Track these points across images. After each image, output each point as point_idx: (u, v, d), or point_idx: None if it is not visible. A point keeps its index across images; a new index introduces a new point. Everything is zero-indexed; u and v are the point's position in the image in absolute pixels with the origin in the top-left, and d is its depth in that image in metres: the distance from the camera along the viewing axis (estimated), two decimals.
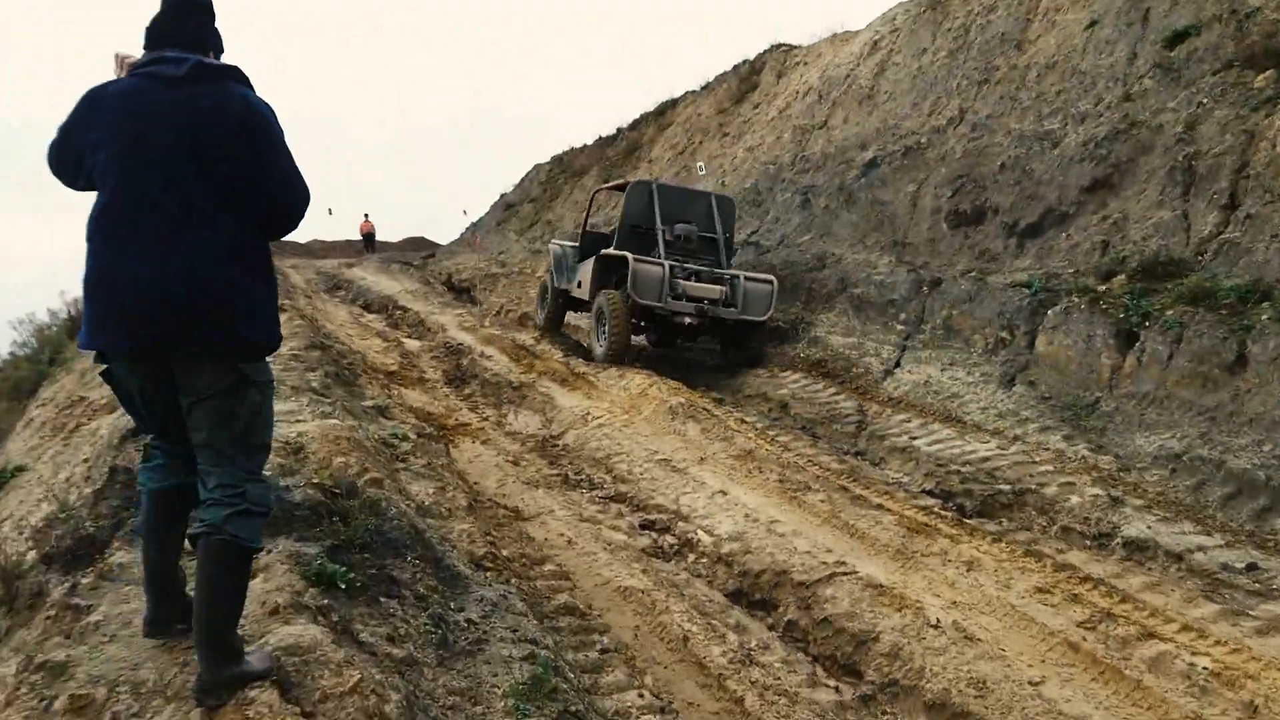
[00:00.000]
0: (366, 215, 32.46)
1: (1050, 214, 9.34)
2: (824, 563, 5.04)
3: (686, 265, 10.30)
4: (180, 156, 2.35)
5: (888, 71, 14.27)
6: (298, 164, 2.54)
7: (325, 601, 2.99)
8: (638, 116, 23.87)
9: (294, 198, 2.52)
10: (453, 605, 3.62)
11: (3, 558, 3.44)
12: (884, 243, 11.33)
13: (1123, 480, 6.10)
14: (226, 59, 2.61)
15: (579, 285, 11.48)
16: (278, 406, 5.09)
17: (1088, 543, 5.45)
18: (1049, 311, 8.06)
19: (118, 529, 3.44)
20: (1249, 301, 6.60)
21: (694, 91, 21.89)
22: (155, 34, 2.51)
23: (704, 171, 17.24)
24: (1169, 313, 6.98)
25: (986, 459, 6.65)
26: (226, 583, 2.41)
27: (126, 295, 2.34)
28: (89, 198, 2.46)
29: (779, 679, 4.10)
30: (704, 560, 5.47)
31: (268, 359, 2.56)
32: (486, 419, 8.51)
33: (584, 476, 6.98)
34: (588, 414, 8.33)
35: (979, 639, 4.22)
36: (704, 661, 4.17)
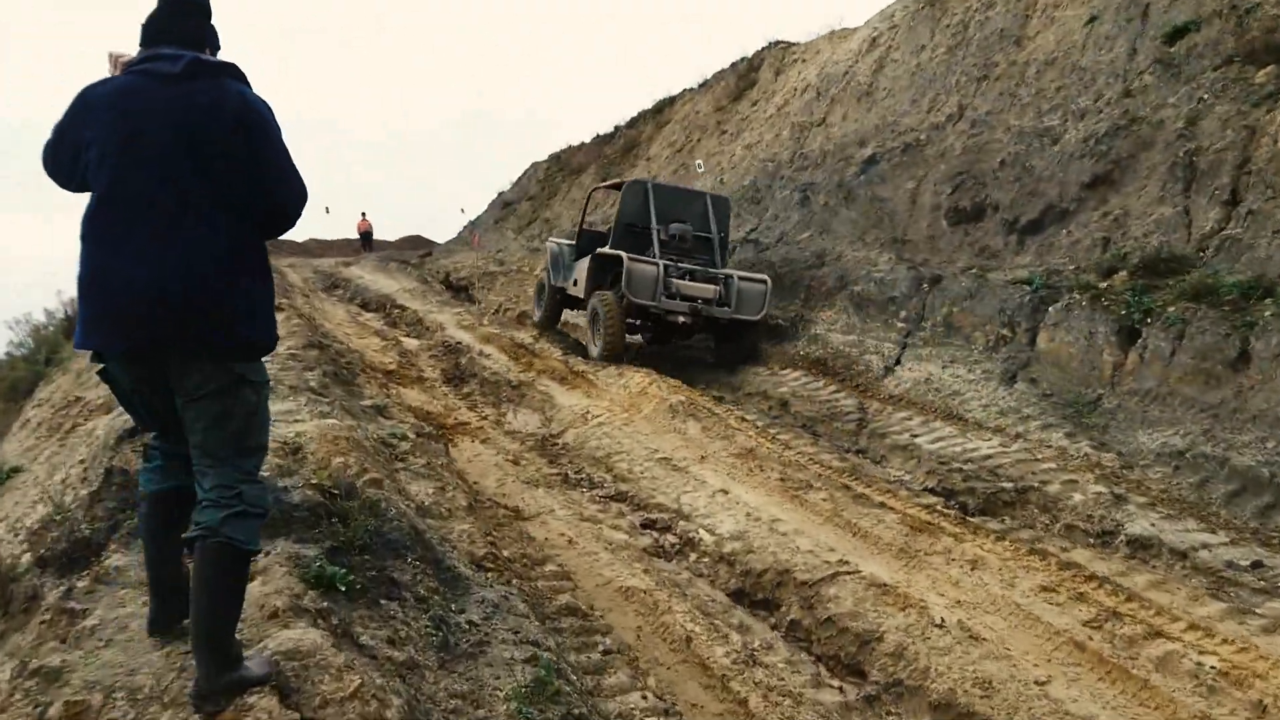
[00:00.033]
0: (364, 214, 32.36)
1: (1051, 210, 9.31)
2: (827, 562, 5.01)
3: (681, 264, 10.35)
4: (176, 154, 2.32)
5: (886, 68, 14.24)
6: (295, 162, 2.50)
7: (325, 604, 2.95)
8: (635, 115, 23.85)
9: (291, 195, 2.49)
10: (454, 607, 3.59)
11: None
12: (884, 240, 11.29)
13: (1126, 478, 6.07)
14: (224, 58, 2.58)
15: (575, 283, 11.52)
16: (275, 406, 5.06)
17: (1091, 541, 5.42)
18: (1050, 308, 8.03)
19: (114, 531, 3.39)
20: (1251, 298, 6.57)
21: (692, 89, 21.85)
22: (151, 31, 2.47)
23: (703, 169, 17.20)
24: (1171, 309, 6.95)
25: (988, 457, 6.62)
26: (224, 586, 2.37)
27: (122, 296, 2.30)
28: (88, 198, 2.42)
29: (783, 680, 4.06)
30: (706, 559, 5.44)
31: (263, 359, 2.52)
32: (485, 418, 8.47)
33: (584, 475, 6.95)
34: (587, 412, 8.29)
35: (984, 638, 4.19)
36: (707, 662, 4.13)
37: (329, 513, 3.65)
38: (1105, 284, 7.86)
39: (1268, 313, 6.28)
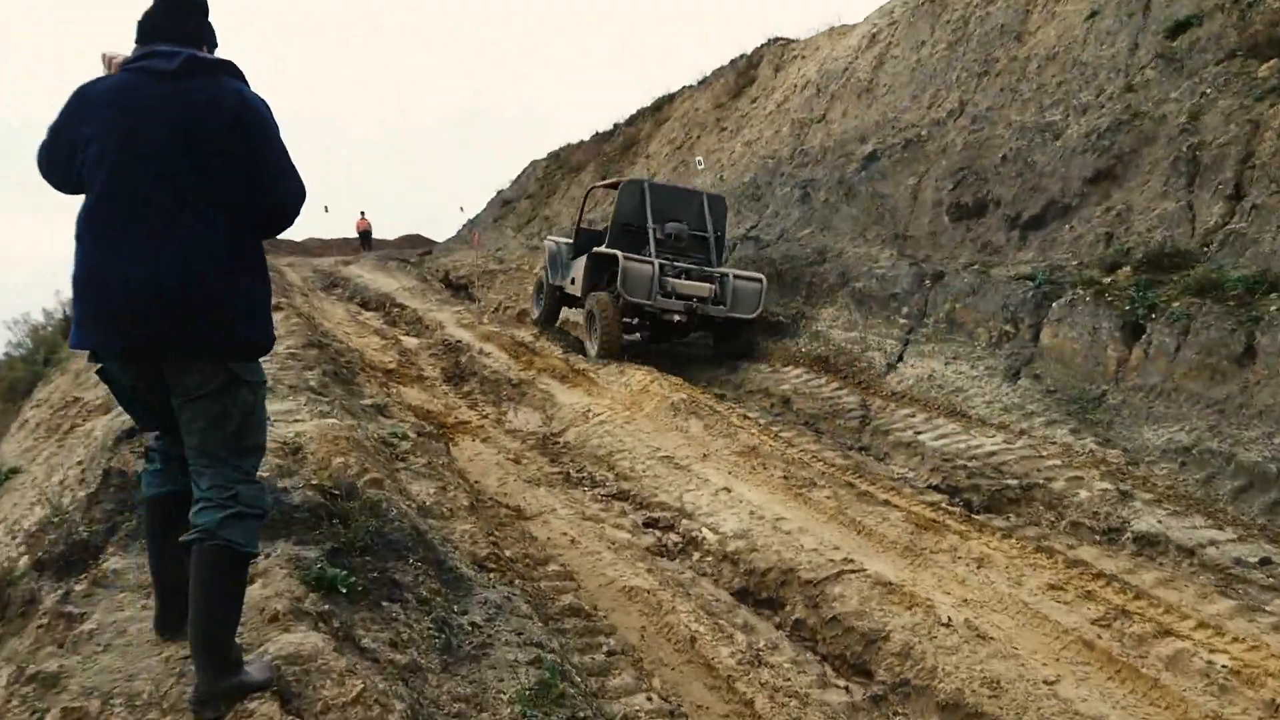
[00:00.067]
0: (363, 213, 32.28)
1: (1053, 206, 9.26)
2: (831, 560, 4.97)
3: (677, 263, 10.41)
4: (173, 151, 2.29)
5: (886, 64, 14.18)
6: (293, 160, 2.47)
7: (326, 607, 2.91)
8: (635, 112, 23.78)
9: (290, 194, 2.46)
10: (456, 608, 3.55)
11: None
12: (885, 236, 11.25)
13: (1131, 474, 6.03)
14: (221, 56, 2.55)
15: (573, 282, 11.56)
16: (275, 406, 5.02)
17: (1098, 538, 5.38)
18: (1053, 304, 7.98)
19: (112, 534, 3.35)
20: (1256, 292, 6.53)
21: (691, 86, 21.79)
22: (148, 28, 2.45)
23: (703, 166, 17.16)
24: (1175, 304, 6.91)
25: (993, 453, 6.58)
26: (222, 590, 2.33)
27: (118, 295, 2.27)
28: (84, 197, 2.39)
29: (789, 680, 4.02)
30: (709, 558, 5.40)
31: (261, 359, 2.49)
32: (486, 417, 8.43)
33: (586, 474, 6.91)
34: (588, 411, 8.25)
35: (991, 637, 4.15)
36: (712, 663, 4.09)
37: (329, 513, 3.61)
38: (1109, 279, 7.82)
39: (1273, 307, 6.24)
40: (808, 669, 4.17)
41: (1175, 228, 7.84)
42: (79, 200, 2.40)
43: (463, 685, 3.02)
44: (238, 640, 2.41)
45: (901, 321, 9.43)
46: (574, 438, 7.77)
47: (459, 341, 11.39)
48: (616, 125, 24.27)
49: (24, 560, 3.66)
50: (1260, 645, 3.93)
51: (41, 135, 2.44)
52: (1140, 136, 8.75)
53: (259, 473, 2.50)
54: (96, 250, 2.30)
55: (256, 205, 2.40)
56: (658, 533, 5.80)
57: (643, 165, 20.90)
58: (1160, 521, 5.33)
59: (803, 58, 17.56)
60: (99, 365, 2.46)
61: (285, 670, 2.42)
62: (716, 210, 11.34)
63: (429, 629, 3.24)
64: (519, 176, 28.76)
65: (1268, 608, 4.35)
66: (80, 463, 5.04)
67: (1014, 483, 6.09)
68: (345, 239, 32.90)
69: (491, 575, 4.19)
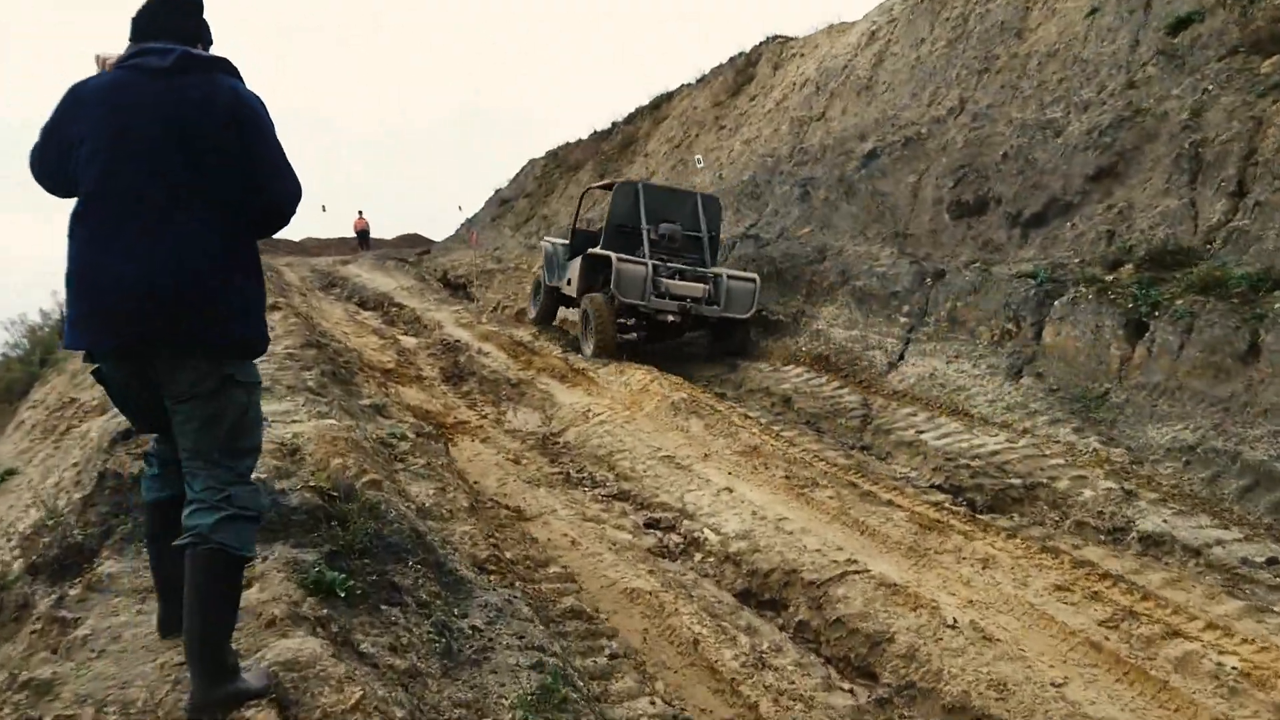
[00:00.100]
0: (361, 212, 32.20)
1: (1054, 203, 9.22)
2: (835, 561, 4.93)
3: (670, 264, 10.47)
4: (167, 149, 2.26)
5: (886, 62, 14.14)
6: (289, 158, 2.43)
7: (324, 611, 2.86)
8: (633, 111, 23.72)
9: (285, 192, 2.43)
10: (456, 612, 3.50)
11: None
12: (885, 234, 11.20)
13: (1136, 473, 5.99)
14: (217, 53, 2.51)
15: (569, 283, 11.62)
16: (273, 406, 4.97)
17: (1102, 537, 5.34)
18: (1056, 302, 7.94)
19: (107, 537, 3.30)
20: (1260, 290, 6.49)
21: (689, 84, 21.73)
22: (141, 25, 2.43)
23: (702, 164, 17.11)
24: (1179, 302, 6.87)
25: (996, 452, 6.54)
26: (217, 594, 2.28)
27: (112, 293, 2.25)
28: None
29: (793, 683, 3.98)
30: (711, 559, 5.36)
31: (256, 360, 2.46)
32: (485, 417, 8.38)
33: (586, 474, 6.86)
34: (588, 410, 8.20)
35: (998, 639, 4.10)
36: (716, 666, 4.05)
37: (328, 515, 3.56)
38: (1111, 277, 7.78)
39: (1277, 305, 6.20)
40: (812, 672, 4.12)
41: (1178, 225, 7.80)
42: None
43: (463, 690, 2.97)
44: (234, 646, 2.36)
45: (902, 320, 9.39)
46: (574, 438, 7.73)
47: (457, 341, 11.34)
48: (615, 124, 24.21)
49: (18, 564, 3.61)
50: (1270, 646, 3.88)
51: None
52: (1142, 133, 8.71)
53: (255, 474, 2.46)
54: (89, 249, 2.28)
55: (251, 203, 2.38)
56: (659, 533, 5.76)
57: (641, 164, 20.84)
58: (1165, 521, 5.29)
59: (802, 55, 17.52)
60: (94, 366, 2.43)
61: (283, 677, 2.37)
62: (710, 210, 11.39)
63: (429, 633, 3.20)
64: (517, 175, 28.70)
65: (1276, 608, 4.31)
66: (76, 464, 4.99)
67: (1017, 482, 6.05)
68: (343, 238, 32.85)
69: (492, 577, 4.15)
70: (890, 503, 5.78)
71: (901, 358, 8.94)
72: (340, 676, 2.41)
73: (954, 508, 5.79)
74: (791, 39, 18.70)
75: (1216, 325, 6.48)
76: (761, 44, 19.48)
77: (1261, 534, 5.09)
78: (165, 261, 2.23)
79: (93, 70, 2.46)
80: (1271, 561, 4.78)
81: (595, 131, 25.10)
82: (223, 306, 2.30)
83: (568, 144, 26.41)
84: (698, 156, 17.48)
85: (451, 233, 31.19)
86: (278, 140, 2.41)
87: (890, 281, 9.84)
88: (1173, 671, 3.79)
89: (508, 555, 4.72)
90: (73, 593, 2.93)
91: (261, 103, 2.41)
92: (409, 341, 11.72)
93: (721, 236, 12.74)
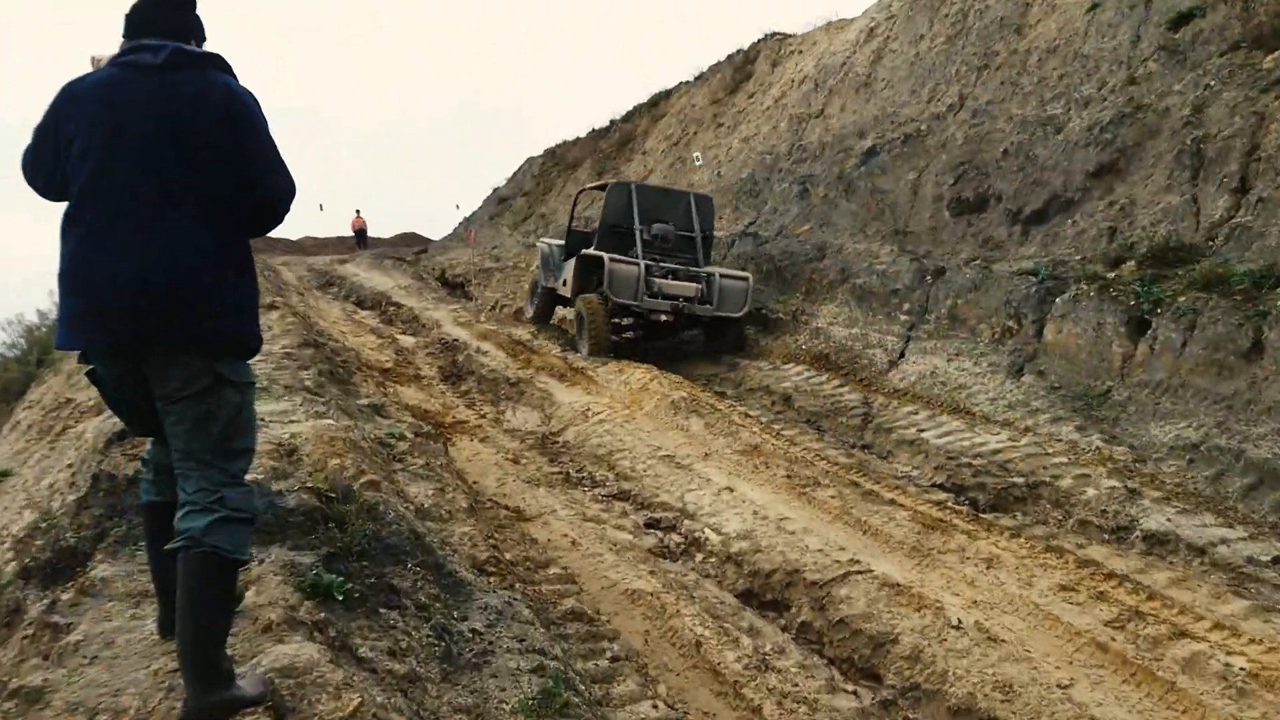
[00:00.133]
0: (358, 211, 32.21)
1: (1055, 200, 9.18)
2: (837, 561, 4.88)
3: (663, 264, 10.53)
4: (160, 146, 2.24)
5: (884, 59, 14.10)
6: (282, 155, 2.39)
7: (322, 615, 2.81)
8: (631, 109, 23.66)
9: (279, 189, 2.40)
10: (456, 614, 3.45)
11: None
12: (885, 232, 11.16)
13: (1139, 471, 5.95)
14: (211, 50, 2.48)
15: (564, 284, 11.67)
16: (270, 406, 4.92)
17: (1106, 537, 5.30)
18: (1057, 299, 7.90)
19: (101, 540, 3.25)
20: (1264, 287, 6.45)
21: (687, 82, 21.68)
22: (135, 22, 2.40)
23: (700, 162, 17.06)
24: (1181, 299, 6.83)
25: (998, 451, 6.49)
26: (211, 599, 2.24)
27: (104, 290, 2.22)
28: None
29: (797, 685, 3.93)
30: (712, 560, 5.31)
31: (251, 360, 2.42)
32: (484, 416, 8.34)
33: (586, 474, 6.82)
34: (588, 410, 8.15)
35: (1003, 640, 4.06)
36: (718, 668, 4.00)
37: (325, 517, 3.52)
38: (1113, 274, 7.74)
39: None
40: (815, 673, 4.08)
41: (1180, 222, 7.76)
42: None
43: (463, 695, 2.93)
44: (229, 652, 2.32)
45: (903, 318, 9.34)
46: (573, 437, 7.68)
47: (456, 340, 11.29)
48: (613, 122, 24.15)
49: (11, 566, 3.57)
50: (1278, 647, 3.84)
51: None
52: (1143, 130, 8.67)
53: (252, 475, 2.42)
54: (83, 247, 2.25)
55: (245, 200, 2.35)
56: (659, 534, 5.71)
57: (640, 162, 20.79)
58: (1170, 520, 5.25)
59: (800, 53, 17.46)
60: (89, 368, 2.40)
61: (279, 683, 2.32)
62: (703, 210, 11.44)
63: (428, 637, 3.15)
64: (515, 174, 28.62)
65: None
66: (71, 465, 4.94)
67: (1020, 481, 6.01)
68: (341, 237, 32.77)
69: (491, 579, 4.10)
70: (892, 502, 5.73)
71: (902, 356, 8.89)
72: (338, 683, 2.36)
73: (956, 507, 5.75)
74: (790, 36, 18.65)
75: (1219, 322, 6.44)
76: (760, 41, 19.43)
77: (1266, 533, 5.05)
78: (159, 259, 2.20)
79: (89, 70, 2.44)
80: (1277, 560, 4.74)
81: (593, 130, 25.06)
82: (215, 303, 2.27)
83: (566, 142, 26.35)
84: (696, 154, 17.43)
85: (449, 232, 31.12)
86: (271, 137, 2.39)
87: (890, 279, 9.80)
88: (1180, 672, 3.75)
89: (507, 556, 4.67)
90: (65, 597, 2.88)
91: (255, 99, 2.38)
92: (407, 340, 11.67)
93: (720, 235, 12.72)
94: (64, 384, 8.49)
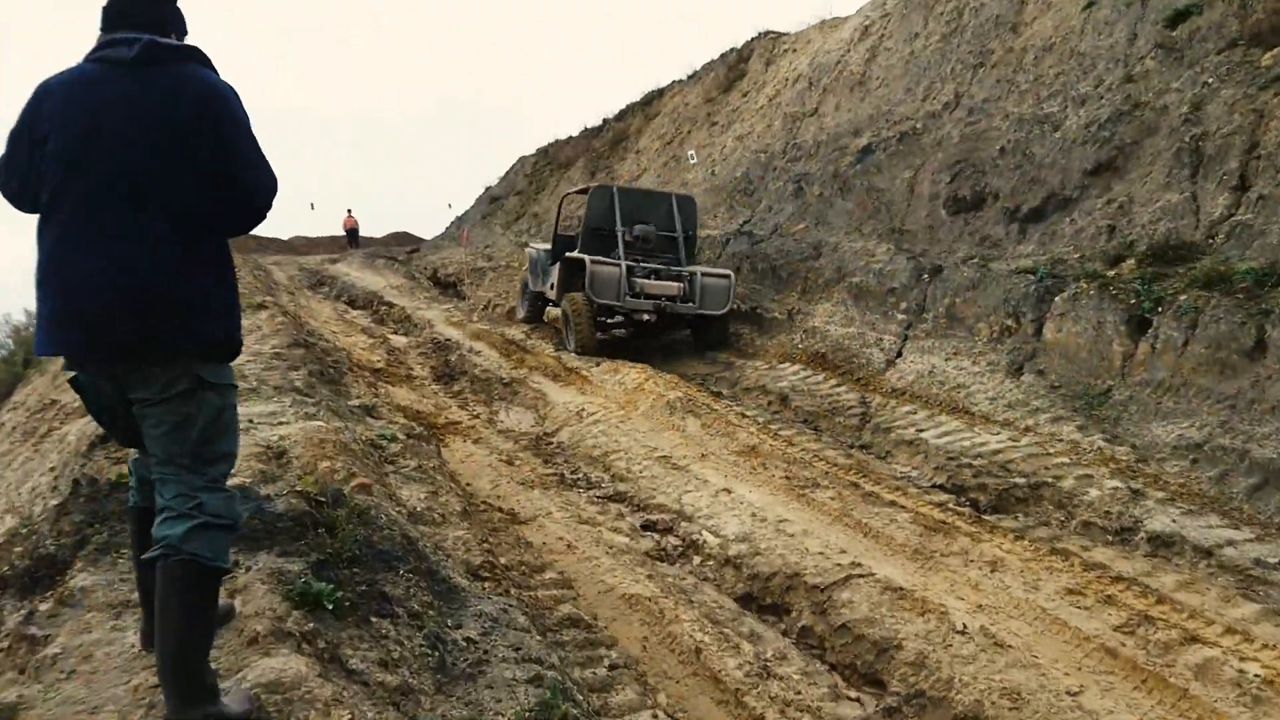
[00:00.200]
0: (350, 211, 32.10)
1: (1053, 198, 9.11)
2: (838, 564, 4.79)
3: (645, 264, 10.64)
4: (134, 143, 2.16)
5: (879, 57, 14.02)
6: (263, 150, 2.30)
7: (311, 626, 2.70)
8: (624, 107, 23.54)
9: (259, 185, 2.30)
10: (450, 622, 3.34)
11: None
12: (881, 230, 11.08)
13: (1142, 472, 5.87)
14: (190, 43, 2.38)
15: (550, 288, 11.74)
16: (259, 408, 4.81)
17: (1110, 538, 5.22)
18: (1056, 298, 7.82)
19: (81, 547, 3.13)
20: (1266, 285, 6.38)
21: (681, 81, 21.56)
22: (111, 15, 2.31)
23: (694, 160, 16.97)
24: (1182, 297, 6.76)
25: (998, 451, 6.41)
26: (191, 609, 2.14)
27: (81, 291, 2.14)
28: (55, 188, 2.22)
29: (799, 693, 3.84)
30: (710, 563, 5.22)
31: (229, 362, 2.33)
32: (477, 417, 8.23)
33: (581, 475, 6.71)
34: (582, 410, 8.05)
35: (1010, 645, 3.97)
36: (719, 675, 3.90)
37: (315, 522, 3.41)
38: (1113, 272, 7.67)
39: None
40: (818, 680, 3.99)
41: (1179, 219, 7.70)
42: None
43: (458, 708, 2.82)
44: (213, 666, 2.21)
45: (900, 317, 9.26)
46: (568, 438, 7.58)
47: (448, 340, 11.18)
48: (606, 120, 24.02)
49: None
50: None
51: None
52: (1141, 127, 8.60)
53: (238, 480, 2.32)
54: (59, 247, 2.18)
55: (224, 197, 2.25)
56: (656, 536, 5.62)
57: (633, 161, 20.69)
58: (1174, 521, 5.17)
59: (794, 51, 17.38)
60: (72, 374, 2.33)
61: (265, 699, 2.22)
62: (685, 210, 11.53)
63: (421, 646, 3.04)
64: (507, 173, 28.48)
65: None
66: (53, 469, 4.82)
67: (1021, 481, 5.93)
68: (332, 237, 32.61)
69: (486, 585, 4.00)
70: (893, 503, 5.65)
71: (899, 355, 8.81)
72: (327, 699, 2.26)
73: (958, 508, 5.67)
74: (783, 34, 18.56)
75: (1221, 321, 6.37)
76: (753, 40, 19.33)
77: (1273, 534, 4.98)
78: (135, 259, 2.13)
79: None
80: None
81: (586, 128, 24.91)
82: (194, 305, 2.19)
83: (558, 141, 26.21)
84: (691, 152, 17.35)
85: (441, 231, 30.97)
86: (251, 131, 2.29)
87: (887, 278, 9.72)
88: (1193, 679, 3.67)
89: (502, 561, 4.57)
90: (43, 608, 2.76)
91: (234, 93, 2.28)
92: (399, 340, 11.55)
93: (715, 233, 12.66)
94: (49, 385, 8.35)
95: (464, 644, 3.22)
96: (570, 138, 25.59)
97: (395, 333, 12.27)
